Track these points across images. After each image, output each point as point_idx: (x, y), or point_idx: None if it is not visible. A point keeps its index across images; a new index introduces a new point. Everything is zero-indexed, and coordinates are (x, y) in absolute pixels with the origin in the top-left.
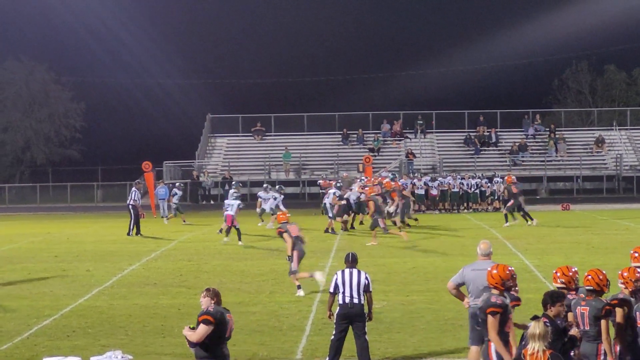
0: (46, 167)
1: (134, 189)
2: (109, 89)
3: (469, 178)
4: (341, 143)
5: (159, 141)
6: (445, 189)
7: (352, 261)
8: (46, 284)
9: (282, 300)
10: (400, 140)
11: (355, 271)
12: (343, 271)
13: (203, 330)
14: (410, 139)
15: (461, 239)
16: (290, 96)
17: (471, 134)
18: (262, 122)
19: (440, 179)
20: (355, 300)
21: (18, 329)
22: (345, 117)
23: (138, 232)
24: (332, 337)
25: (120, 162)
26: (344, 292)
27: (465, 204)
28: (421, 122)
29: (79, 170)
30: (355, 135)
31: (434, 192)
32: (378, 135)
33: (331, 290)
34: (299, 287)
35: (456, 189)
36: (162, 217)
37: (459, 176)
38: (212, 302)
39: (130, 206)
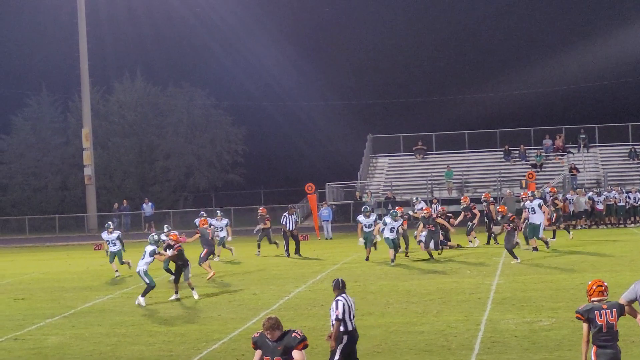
0: (209, 191)
1: (285, 214)
2: (268, 112)
3: (636, 192)
4: (503, 159)
5: (321, 163)
6: (611, 203)
7: (343, 287)
8: (214, 307)
9: (449, 319)
10: (562, 155)
11: (349, 297)
12: (345, 297)
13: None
14: (573, 153)
15: (629, 254)
16: (450, 114)
17: (635, 147)
18: (423, 140)
19: (605, 193)
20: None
21: (188, 353)
22: (506, 134)
23: (286, 253)
24: None
25: (283, 185)
26: (351, 320)
27: (632, 218)
28: (584, 136)
29: (242, 193)
30: (517, 151)
31: (600, 206)
32: (540, 150)
33: (340, 316)
34: None
35: (622, 203)
36: (327, 238)
37: (624, 190)
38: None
39: (282, 231)
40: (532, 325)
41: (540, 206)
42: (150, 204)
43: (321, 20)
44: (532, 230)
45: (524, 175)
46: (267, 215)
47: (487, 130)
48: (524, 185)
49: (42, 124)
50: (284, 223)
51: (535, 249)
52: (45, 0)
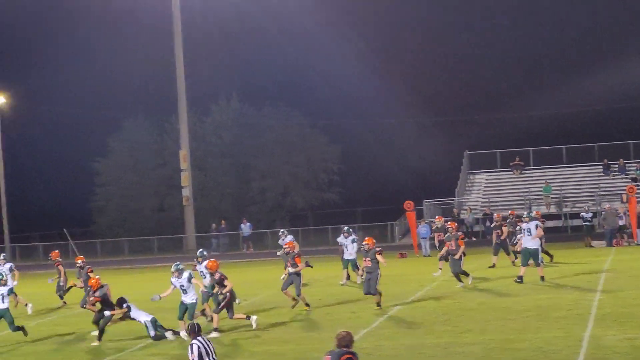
0: (306, 211)
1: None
2: (362, 131)
3: None
4: (602, 174)
5: (417, 180)
6: None
7: (199, 331)
8: (312, 327)
9: (548, 336)
10: None
11: (205, 339)
12: (201, 340)
13: None
14: None
15: None
16: (548, 128)
17: None
18: (521, 156)
19: None
20: None
21: None
22: (605, 147)
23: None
24: None
25: (380, 203)
26: None
27: None
28: None
29: (338, 212)
30: (617, 165)
31: None
32: None
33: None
34: None
35: None
36: (424, 255)
37: None
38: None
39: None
40: (633, 341)
41: (537, 227)
42: (248, 224)
43: (412, 36)
44: (527, 256)
45: (624, 190)
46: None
47: (585, 145)
48: (624, 200)
49: (139, 146)
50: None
51: (542, 278)
52: (142, 24)
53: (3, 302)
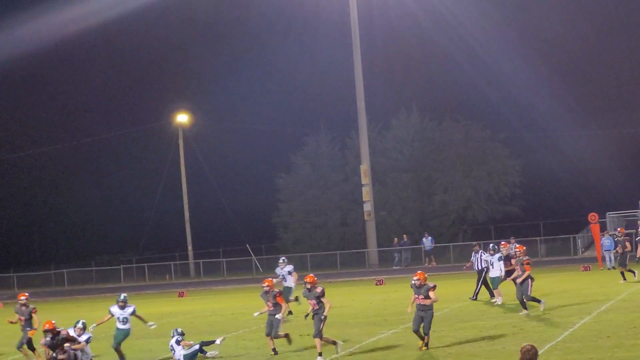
0: (488, 224)
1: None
2: (542, 143)
3: None
4: None
5: (599, 192)
6: None
7: None
8: (498, 340)
9: None
10: None
11: None
12: None
13: None
14: None
15: None
16: None
17: None
18: None
19: None
20: None
21: None
22: None
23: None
24: None
25: (561, 216)
26: None
27: None
28: None
29: (521, 225)
30: None
31: None
32: None
33: None
34: None
35: None
36: (609, 268)
37: None
38: None
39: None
40: None
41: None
42: (429, 238)
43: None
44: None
45: None
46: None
47: None
48: None
49: (321, 161)
50: (472, 260)
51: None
52: (322, 41)
53: (124, 324)
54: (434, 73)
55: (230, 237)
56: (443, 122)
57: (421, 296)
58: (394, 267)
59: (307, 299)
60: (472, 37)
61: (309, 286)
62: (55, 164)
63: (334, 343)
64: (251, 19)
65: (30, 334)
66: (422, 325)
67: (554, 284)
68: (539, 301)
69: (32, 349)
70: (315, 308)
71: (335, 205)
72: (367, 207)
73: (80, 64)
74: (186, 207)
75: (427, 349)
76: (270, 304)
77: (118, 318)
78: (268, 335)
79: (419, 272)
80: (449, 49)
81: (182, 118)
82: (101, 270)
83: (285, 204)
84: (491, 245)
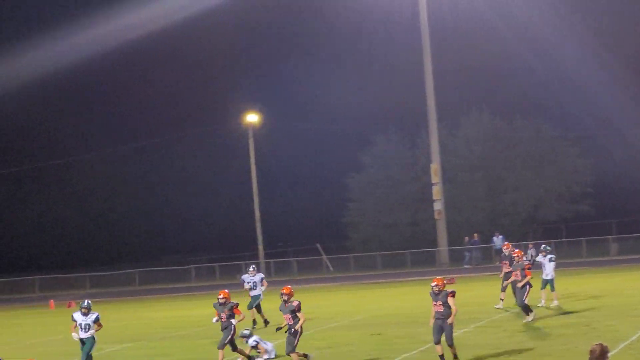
0: (558, 223)
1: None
2: (613, 142)
3: None
4: None
5: None
6: None
7: None
8: (569, 340)
9: None
10: None
11: None
12: None
13: None
14: None
15: None
16: None
17: None
18: None
19: None
20: None
21: None
22: None
23: None
24: None
25: (636, 215)
26: None
27: None
28: None
29: (592, 224)
30: None
31: None
32: None
33: None
34: None
35: None
36: None
37: None
38: None
39: None
40: None
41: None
42: (500, 236)
43: None
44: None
45: None
46: None
47: None
48: None
49: (391, 161)
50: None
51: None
52: (392, 41)
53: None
54: (504, 71)
55: (300, 237)
56: (513, 120)
57: (439, 302)
58: (465, 266)
59: (282, 313)
60: (542, 35)
61: (285, 297)
62: (128, 164)
63: (305, 356)
64: (321, 19)
65: None
66: (443, 335)
67: (626, 283)
68: (530, 311)
69: None
70: (290, 323)
71: (405, 204)
72: (438, 205)
73: (151, 65)
74: (256, 206)
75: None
76: (224, 316)
77: (80, 325)
78: (220, 348)
79: (437, 278)
80: (519, 47)
81: (252, 118)
82: (172, 270)
83: (355, 204)
84: (542, 246)
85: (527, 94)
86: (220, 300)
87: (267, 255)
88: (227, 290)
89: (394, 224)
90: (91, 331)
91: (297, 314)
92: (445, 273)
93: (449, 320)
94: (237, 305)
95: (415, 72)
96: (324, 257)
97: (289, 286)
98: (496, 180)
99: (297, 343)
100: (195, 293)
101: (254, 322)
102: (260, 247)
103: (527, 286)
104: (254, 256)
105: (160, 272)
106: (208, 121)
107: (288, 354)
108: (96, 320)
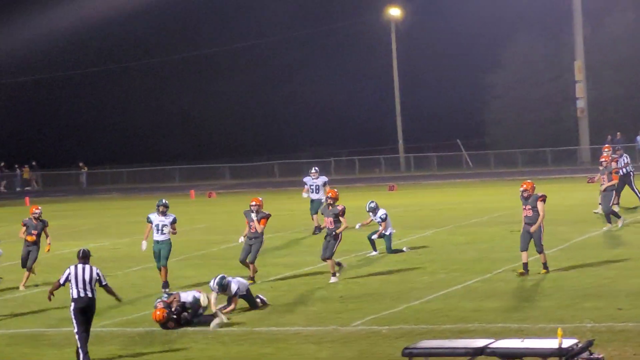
0: None
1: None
2: None
3: None
4: None
5: None
6: None
7: (83, 257)
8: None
9: None
10: None
11: (90, 268)
12: (77, 267)
13: None
14: None
15: None
16: None
17: None
18: None
19: None
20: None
21: None
22: None
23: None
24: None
25: None
26: (77, 287)
27: None
28: None
29: None
30: None
31: None
32: None
33: (61, 281)
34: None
35: None
36: None
37: None
38: None
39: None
40: None
41: None
42: None
43: None
44: None
45: None
46: None
47: None
48: None
49: (534, 58)
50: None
51: None
52: None
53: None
54: None
55: (440, 133)
56: None
57: (528, 206)
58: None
59: (324, 216)
60: None
61: (330, 201)
62: (282, 54)
63: (339, 265)
64: None
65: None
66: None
67: None
68: (618, 216)
69: None
70: (330, 227)
71: (547, 101)
72: (580, 103)
73: None
74: (397, 100)
75: (548, 271)
76: (254, 226)
77: (157, 226)
78: (242, 262)
79: (526, 181)
80: None
81: (395, 12)
82: (311, 162)
83: (497, 100)
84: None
85: None
86: (252, 208)
87: (407, 150)
88: (259, 198)
89: (536, 121)
90: (166, 234)
91: (341, 218)
92: (586, 172)
93: (533, 228)
94: (269, 216)
95: None
96: (464, 152)
97: (335, 189)
98: None
99: (335, 249)
100: (335, 186)
101: (317, 228)
102: (400, 142)
103: (614, 192)
104: (394, 150)
105: (300, 164)
106: (353, 14)
107: (324, 260)
108: (174, 222)
